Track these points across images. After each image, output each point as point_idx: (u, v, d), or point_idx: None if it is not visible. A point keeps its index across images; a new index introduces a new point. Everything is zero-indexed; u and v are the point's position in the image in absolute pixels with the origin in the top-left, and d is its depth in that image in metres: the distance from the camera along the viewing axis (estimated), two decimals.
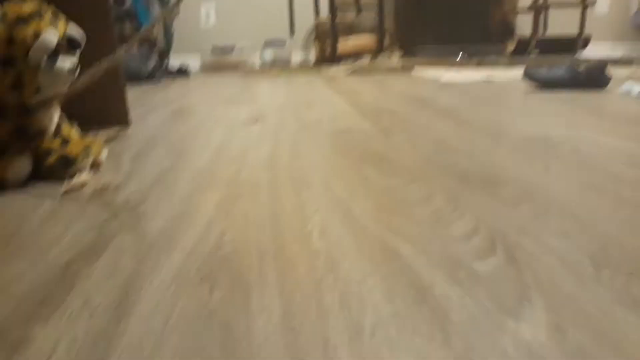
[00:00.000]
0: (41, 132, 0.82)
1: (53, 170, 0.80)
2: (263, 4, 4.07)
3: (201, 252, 0.51)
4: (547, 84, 1.78)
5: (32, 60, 0.76)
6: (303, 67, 3.57)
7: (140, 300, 0.42)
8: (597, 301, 0.40)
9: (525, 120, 1.20)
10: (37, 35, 0.76)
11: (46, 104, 0.83)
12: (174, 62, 3.65)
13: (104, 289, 0.44)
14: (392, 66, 2.99)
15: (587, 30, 3.46)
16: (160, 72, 2.92)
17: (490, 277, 0.44)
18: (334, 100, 1.70)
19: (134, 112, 1.53)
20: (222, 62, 3.79)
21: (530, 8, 3.44)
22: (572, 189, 0.68)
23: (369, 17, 3.65)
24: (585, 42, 3.44)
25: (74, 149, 0.82)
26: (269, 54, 3.79)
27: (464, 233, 0.54)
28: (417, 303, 0.40)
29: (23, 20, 0.76)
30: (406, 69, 2.95)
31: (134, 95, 2.06)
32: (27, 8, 0.77)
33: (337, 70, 2.99)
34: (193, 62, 3.97)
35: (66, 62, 0.79)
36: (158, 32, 3.08)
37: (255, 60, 3.90)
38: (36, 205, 0.68)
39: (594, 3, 3.41)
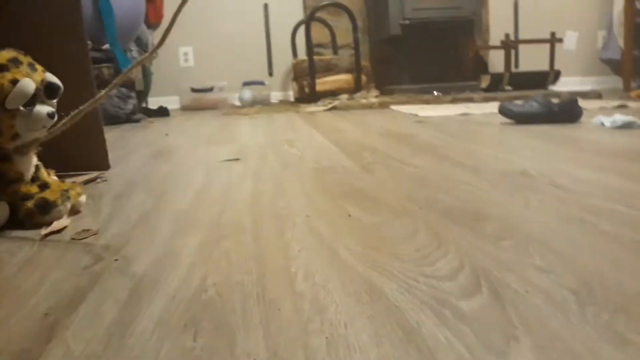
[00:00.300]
0: (18, 178, 0.81)
1: (31, 215, 0.78)
2: (241, 46, 4.13)
3: (184, 297, 0.50)
4: (521, 118, 1.83)
5: (9, 107, 0.76)
6: (282, 104, 3.61)
7: (123, 349, 0.41)
8: (584, 339, 0.40)
9: (503, 155, 1.23)
10: (14, 82, 0.75)
11: (24, 149, 0.82)
12: (154, 103, 3.66)
13: (85, 338, 0.43)
14: (370, 103, 3.04)
15: (557, 65, 3.58)
16: (139, 113, 2.92)
17: (476, 316, 0.44)
18: (314, 137, 1.72)
19: (113, 154, 1.52)
20: (201, 102, 3.81)
21: (502, 44, 3.55)
22: (552, 223, 0.69)
23: (346, 56, 3.73)
24: (556, 77, 3.55)
25: (52, 193, 0.81)
26: (247, 94, 3.83)
27: (449, 271, 0.54)
28: (404, 344, 0.40)
29: (0, 68, 0.76)
30: (383, 106, 3.01)
31: (113, 136, 2.05)
32: (4, 57, 0.77)
33: (316, 107, 3.02)
34: (173, 103, 3.98)
35: (44, 109, 0.79)
36: (137, 73, 3.10)
37: (235, 100, 3.93)
38: (14, 251, 0.67)
39: (561, 40, 3.54)
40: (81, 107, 0.82)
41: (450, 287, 0.50)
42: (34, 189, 0.81)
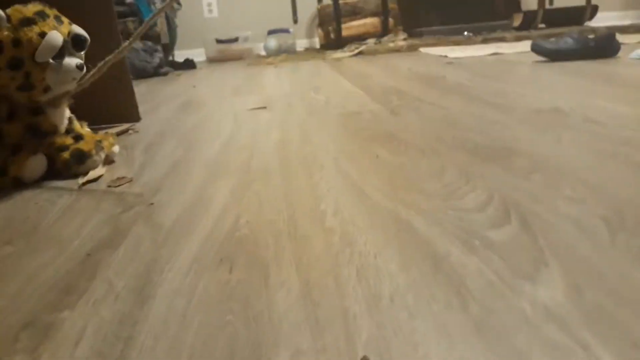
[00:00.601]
0: (52, 130, 0.83)
1: (68, 165, 0.81)
2: None
3: (218, 236, 0.52)
4: (555, 56, 1.77)
5: (39, 60, 0.77)
6: (308, 52, 3.56)
7: (162, 283, 0.43)
8: (614, 263, 0.40)
9: (535, 93, 1.20)
10: (42, 35, 0.76)
11: (56, 102, 0.84)
12: (180, 56, 3.66)
13: (126, 275, 0.45)
14: (398, 47, 2.97)
15: (595, 0, 3.41)
16: (166, 66, 2.93)
17: (505, 244, 0.44)
18: (341, 83, 1.70)
19: (143, 107, 1.54)
20: (227, 53, 3.79)
21: None
22: (584, 156, 0.68)
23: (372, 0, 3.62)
24: (593, 12, 3.38)
25: (86, 144, 0.83)
26: (273, 43, 3.78)
27: (478, 204, 0.54)
28: (433, 272, 0.41)
29: (28, 22, 0.76)
30: (412, 49, 2.93)
31: (142, 90, 2.07)
32: (31, 10, 0.78)
33: (343, 53, 2.97)
34: (199, 55, 3.97)
35: (73, 61, 0.80)
36: (162, 27, 3.09)
37: (260, 49, 3.90)
38: (54, 200, 0.70)
39: None
40: (107, 58, 0.83)
41: (479, 219, 0.50)
42: (68, 140, 0.84)
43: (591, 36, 1.77)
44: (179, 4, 3.80)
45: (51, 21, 0.79)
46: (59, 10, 0.83)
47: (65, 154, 0.81)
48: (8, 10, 0.77)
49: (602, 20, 3.76)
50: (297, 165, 0.76)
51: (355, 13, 3.41)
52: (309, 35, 4.16)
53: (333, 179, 0.67)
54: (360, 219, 0.53)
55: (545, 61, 1.80)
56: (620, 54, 1.77)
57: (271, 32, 3.91)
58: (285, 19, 4.11)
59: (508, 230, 0.47)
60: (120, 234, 0.55)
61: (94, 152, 0.83)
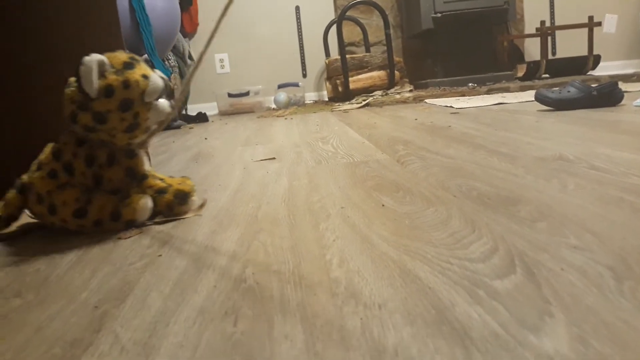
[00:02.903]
0: (145, 173, 0.84)
1: (171, 206, 0.83)
2: (274, 50, 4.18)
3: (225, 287, 0.53)
4: (559, 105, 1.79)
5: (147, 100, 0.78)
6: (317, 104, 3.63)
7: (167, 335, 0.43)
8: (620, 312, 0.40)
9: (539, 141, 1.21)
10: (145, 77, 0.78)
11: (143, 145, 0.85)
12: (193, 110, 3.75)
13: (132, 327, 0.46)
14: (404, 98, 3.03)
15: (597, 50, 3.48)
16: (179, 119, 3.00)
17: (510, 294, 0.44)
18: (348, 134, 1.73)
19: (155, 159, 1.58)
20: (238, 106, 3.87)
21: (537, 32, 3.47)
22: (589, 204, 0.68)
23: (379, 53, 3.72)
24: (596, 62, 3.44)
25: (185, 185, 0.86)
26: (283, 96, 3.87)
27: (483, 253, 0.54)
28: (437, 323, 0.41)
29: (129, 65, 0.77)
30: (417, 100, 2.99)
31: (154, 142, 2.11)
32: (125, 55, 0.79)
33: (350, 105, 3.03)
34: (211, 109, 4.07)
35: (165, 102, 0.82)
36: (176, 82, 3.18)
37: (270, 103, 3.98)
38: (63, 251, 0.71)
39: (600, 23, 3.43)
40: (182, 87, 0.83)
41: (484, 268, 0.50)
42: (161, 182, 0.85)
43: (594, 85, 1.79)
44: (192, 59, 3.93)
45: (144, 65, 0.80)
46: (69, 62, 0.86)
47: (168, 196, 0.83)
48: (105, 58, 0.77)
49: (605, 69, 3.82)
50: (303, 215, 0.76)
51: (362, 67, 3.50)
52: (318, 89, 4.25)
53: (339, 229, 0.68)
54: (365, 269, 0.53)
55: (549, 110, 1.83)
56: (623, 102, 1.80)
57: (281, 86, 4.01)
58: (295, 73, 4.22)
59: (513, 279, 0.47)
60: (128, 285, 0.56)
61: (194, 193, 0.86)
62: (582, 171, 0.87)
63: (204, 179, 1.17)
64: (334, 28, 3.90)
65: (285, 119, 2.77)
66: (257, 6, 4.15)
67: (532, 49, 4.15)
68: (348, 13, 3.67)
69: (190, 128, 2.84)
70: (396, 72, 3.50)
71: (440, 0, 3.54)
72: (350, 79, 3.38)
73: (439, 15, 3.54)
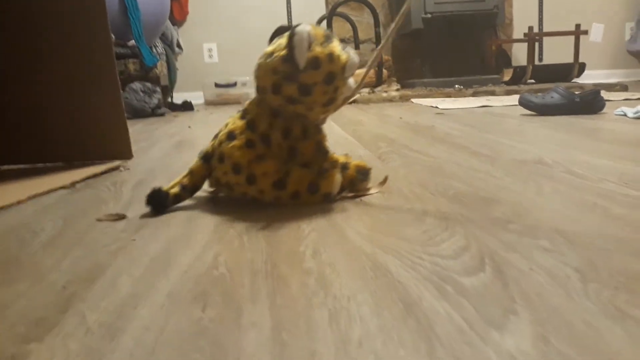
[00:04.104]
0: (328, 148, 0.82)
1: (354, 182, 0.83)
2: (264, 42, 4.16)
3: (195, 273, 0.52)
4: (542, 110, 1.81)
5: (347, 75, 0.76)
6: None
7: (134, 318, 0.43)
8: (583, 313, 0.40)
9: (520, 145, 1.22)
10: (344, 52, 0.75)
11: (324, 121, 0.83)
12: (179, 98, 3.71)
13: (100, 309, 0.45)
14: (391, 97, 3.04)
15: (583, 58, 3.52)
16: (164, 107, 2.97)
17: (477, 291, 0.45)
18: (333, 129, 1.73)
19: (137, 146, 1.56)
20: (225, 97, 3.85)
21: (525, 37, 3.51)
22: (563, 207, 0.69)
23: (368, 51, 3.72)
24: (581, 69, 3.49)
25: (363, 162, 0.85)
26: None
27: (454, 250, 0.55)
28: (404, 317, 0.41)
29: (329, 39, 0.75)
30: (404, 99, 3.00)
31: (137, 129, 2.09)
32: (321, 29, 0.76)
33: None
34: (197, 98, 4.03)
35: (351, 80, 0.80)
36: (162, 69, 3.15)
37: None
38: (37, 232, 0.70)
39: (586, 32, 3.47)
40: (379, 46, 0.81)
41: (454, 265, 0.51)
42: (341, 157, 0.84)
43: (577, 92, 1.82)
44: (180, 48, 3.89)
45: (337, 40, 0.77)
46: (57, 54, 0.85)
47: (350, 171, 0.82)
48: (309, 30, 0.74)
49: (590, 77, 3.88)
50: (281, 205, 0.76)
51: None
52: None
53: (316, 221, 0.68)
54: (338, 261, 0.53)
55: (532, 115, 1.85)
56: (605, 110, 1.82)
57: None
58: None
59: (482, 277, 0.48)
60: (99, 268, 0.55)
61: (371, 170, 0.85)
62: (560, 175, 0.88)
63: (184, 166, 1.16)
64: (324, 24, 3.88)
65: None
66: None
67: (519, 54, 4.19)
68: (339, 9, 3.66)
69: (175, 116, 2.82)
70: (384, 71, 3.51)
71: (431, 1, 3.55)
72: None
73: (429, 15, 3.56)
